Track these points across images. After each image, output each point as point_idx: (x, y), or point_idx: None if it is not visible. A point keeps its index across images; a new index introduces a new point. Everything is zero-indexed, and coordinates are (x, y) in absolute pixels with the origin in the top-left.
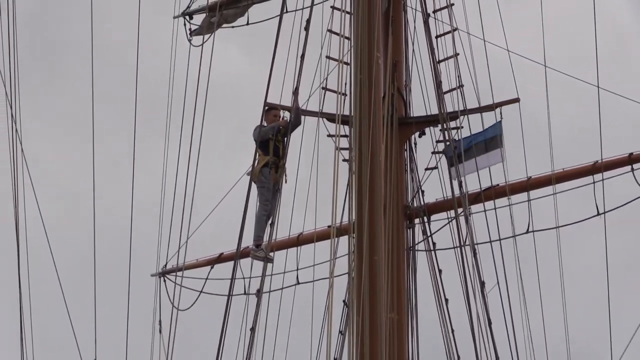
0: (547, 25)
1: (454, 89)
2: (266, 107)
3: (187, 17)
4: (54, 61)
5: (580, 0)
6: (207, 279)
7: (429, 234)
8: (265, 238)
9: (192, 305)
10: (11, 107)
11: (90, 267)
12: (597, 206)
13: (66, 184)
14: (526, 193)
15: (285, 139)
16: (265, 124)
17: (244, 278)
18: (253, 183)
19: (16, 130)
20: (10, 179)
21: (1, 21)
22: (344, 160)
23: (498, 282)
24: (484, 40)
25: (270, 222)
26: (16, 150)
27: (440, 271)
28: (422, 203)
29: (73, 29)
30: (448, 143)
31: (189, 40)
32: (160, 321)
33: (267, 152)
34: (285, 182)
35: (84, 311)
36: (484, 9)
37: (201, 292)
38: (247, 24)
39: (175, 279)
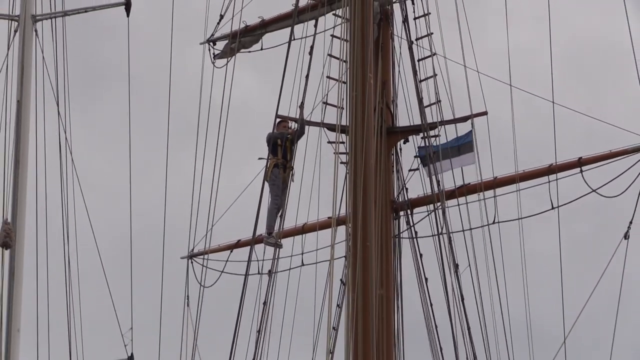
0: (512, 50)
1: (433, 103)
2: (278, 119)
3: (211, 43)
4: (99, 82)
5: (539, 29)
6: (227, 261)
7: (411, 224)
8: (275, 227)
9: (214, 282)
10: (63, 123)
11: (129, 253)
12: (551, 201)
13: (109, 186)
14: (493, 190)
15: (293, 146)
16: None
17: (257, 260)
18: (265, 182)
19: (66, 139)
20: (60, 180)
21: (55, 49)
22: (342, 162)
23: (469, 265)
24: (462, 65)
25: (279, 214)
26: (66, 156)
27: (421, 255)
28: (406, 198)
29: (114, 54)
30: (422, 146)
31: (213, 63)
32: (188, 296)
33: (276, 155)
34: (292, 181)
35: (124, 289)
36: (458, 36)
37: (222, 272)
38: (261, 49)
39: (204, 261)
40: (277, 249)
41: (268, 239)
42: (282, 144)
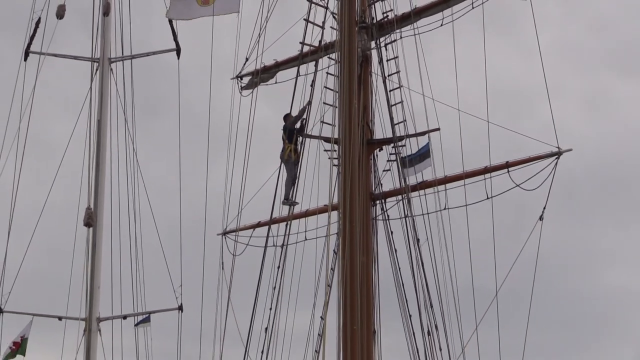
0: (459, 83)
1: (401, 122)
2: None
3: (239, 79)
4: (157, 107)
5: (478, 68)
6: (251, 236)
7: (385, 210)
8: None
9: (242, 252)
10: (132, 140)
11: (179, 231)
12: (487, 193)
13: (165, 184)
14: (444, 185)
15: (300, 136)
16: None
17: (273, 236)
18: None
19: (134, 149)
20: (130, 181)
21: (124, 82)
22: (335, 165)
23: (427, 239)
24: (422, 94)
25: (293, 183)
26: (134, 161)
27: (392, 232)
28: (381, 191)
29: (168, 86)
30: (398, 156)
31: (240, 93)
32: (222, 262)
33: (291, 142)
34: (300, 161)
35: (175, 257)
36: (419, 73)
37: (247, 244)
38: (276, 83)
39: (235, 237)
40: (292, 208)
41: (286, 202)
42: (295, 134)
